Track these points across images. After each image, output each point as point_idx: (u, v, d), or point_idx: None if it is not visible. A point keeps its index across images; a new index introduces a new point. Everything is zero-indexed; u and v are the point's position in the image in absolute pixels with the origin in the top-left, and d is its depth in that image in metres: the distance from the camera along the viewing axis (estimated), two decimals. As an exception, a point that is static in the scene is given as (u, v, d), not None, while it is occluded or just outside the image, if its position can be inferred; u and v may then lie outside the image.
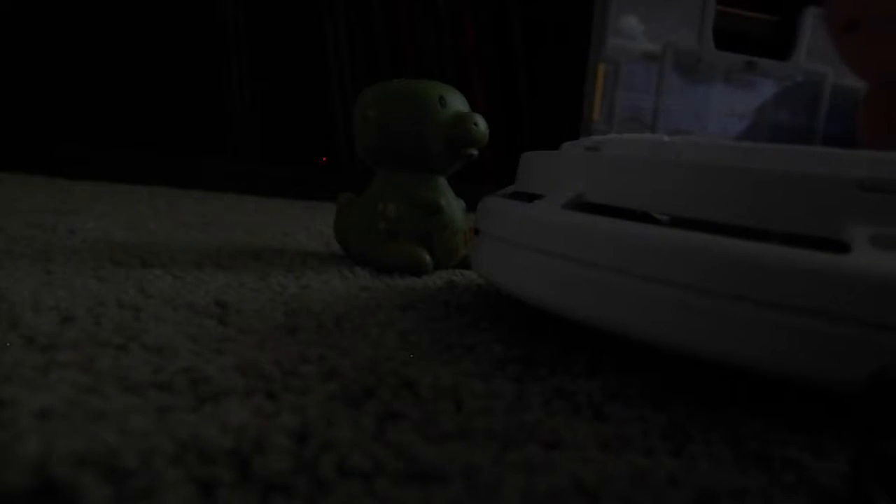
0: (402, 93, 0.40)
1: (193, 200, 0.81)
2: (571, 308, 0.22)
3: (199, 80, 1.06)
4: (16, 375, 0.17)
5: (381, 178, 0.42)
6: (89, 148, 1.02)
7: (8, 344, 0.19)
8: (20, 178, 0.88)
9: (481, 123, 0.40)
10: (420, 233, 0.40)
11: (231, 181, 1.05)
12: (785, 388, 0.20)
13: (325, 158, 1.11)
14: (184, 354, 0.20)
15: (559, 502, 0.13)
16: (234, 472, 0.13)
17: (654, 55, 0.91)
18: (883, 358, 0.15)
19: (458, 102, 0.41)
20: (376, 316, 0.27)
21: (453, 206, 0.42)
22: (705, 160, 0.21)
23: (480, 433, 0.16)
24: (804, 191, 0.18)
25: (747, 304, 0.17)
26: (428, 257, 0.40)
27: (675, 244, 0.19)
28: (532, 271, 0.24)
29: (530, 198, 0.29)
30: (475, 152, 0.41)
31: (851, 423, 0.18)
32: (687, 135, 0.93)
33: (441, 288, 0.35)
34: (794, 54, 0.96)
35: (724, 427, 0.18)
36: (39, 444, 0.13)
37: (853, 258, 0.16)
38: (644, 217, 0.23)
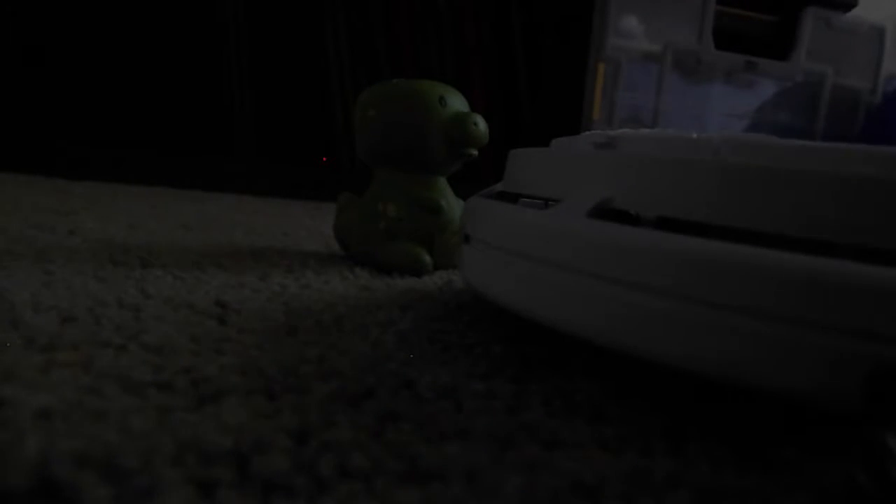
0: (402, 93, 0.40)
1: (194, 200, 0.81)
2: (611, 336, 0.18)
3: (199, 80, 1.06)
4: (16, 375, 0.17)
5: (381, 178, 0.42)
6: (89, 148, 1.02)
7: (8, 344, 0.19)
8: (20, 178, 0.88)
9: (481, 123, 0.40)
10: (420, 233, 0.40)
11: (231, 181, 1.05)
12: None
13: (325, 158, 1.11)
14: (184, 354, 0.20)
15: (559, 502, 0.13)
16: (234, 472, 0.13)
17: (654, 55, 0.91)
18: None
19: (458, 102, 0.41)
20: (376, 316, 0.27)
21: (453, 206, 0.42)
22: (765, 163, 0.17)
23: (480, 433, 0.16)
24: (879, 198, 0.15)
25: (814, 329, 0.15)
26: (428, 257, 0.40)
27: (754, 263, 0.15)
28: (547, 291, 0.20)
29: (515, 198, 0.28)
30: (475, 152, 0.41)
31: (857, 420, 0.18)
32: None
33: (441, 288, 0.35)
34: (794, 54, 0.96)
35: (723, 427, 0.18)
36: (39, 444, 0.13)
37: None
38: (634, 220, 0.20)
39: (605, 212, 0.20)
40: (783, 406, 0.20)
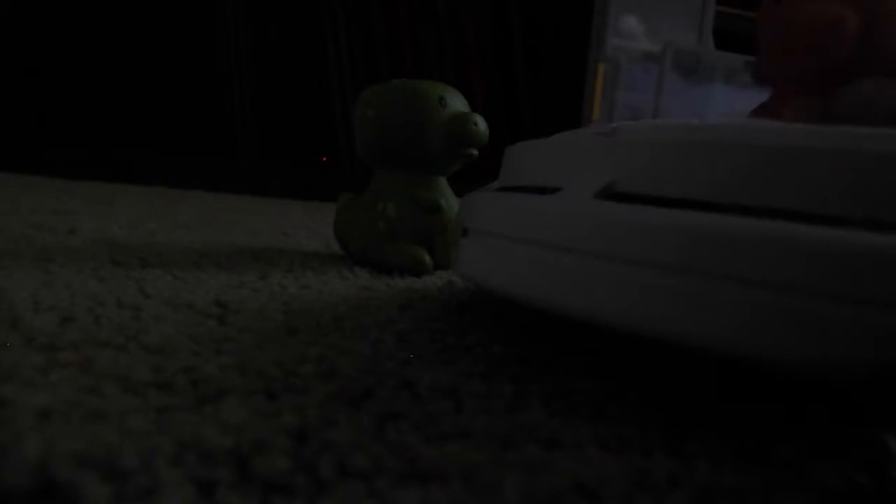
0: (402, 93, 0.40)
1: (193, 200, 0.81)
2: (627, 318, 0.18)
3: (199, 80, 1.06)
4: (16, 375, 0.17)
5: (381, 178, 0.42)
6: (89, 148, 1.02)
7: (8, 344, 0.19)
8: (20, 178, 0.88)
9: (481, 123, 0.40)
10: (420, 233, 0.40)
11: (231, 181, 1.05)
12: (785, 387, 0.20)
13: (324, 158, 1.11)
14: (184, 354, 0.20)
15: (559, 502, 0.13)
16: (233, 472, 0.13)
17: (654, 55, 0.91)
18: None
19: (458, 102, 0.41)
20: (376, 316, 0.27)
21: (453, 206, 0.42)
22: (767, 141, 0.17)
23: (480, 433, 0.16)
24: (884, 172, 0.15)
25: (834, 301, 0.14)
26: (428, 257, 0.40)
27: (773, 237, 0.15)
28: (558, 275, 0.19)
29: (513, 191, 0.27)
30: (475, 152, 0.41)
31: (857, 420, 0.18)
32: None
33: (441, 288, 0.35)
34: (794, 54, 0.96)
35: (723, 427, 0.18)
36: (39, 444, 0.13)
37: None
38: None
39: (610, 195, 0.20)
40: (783, 406, 0.20)
